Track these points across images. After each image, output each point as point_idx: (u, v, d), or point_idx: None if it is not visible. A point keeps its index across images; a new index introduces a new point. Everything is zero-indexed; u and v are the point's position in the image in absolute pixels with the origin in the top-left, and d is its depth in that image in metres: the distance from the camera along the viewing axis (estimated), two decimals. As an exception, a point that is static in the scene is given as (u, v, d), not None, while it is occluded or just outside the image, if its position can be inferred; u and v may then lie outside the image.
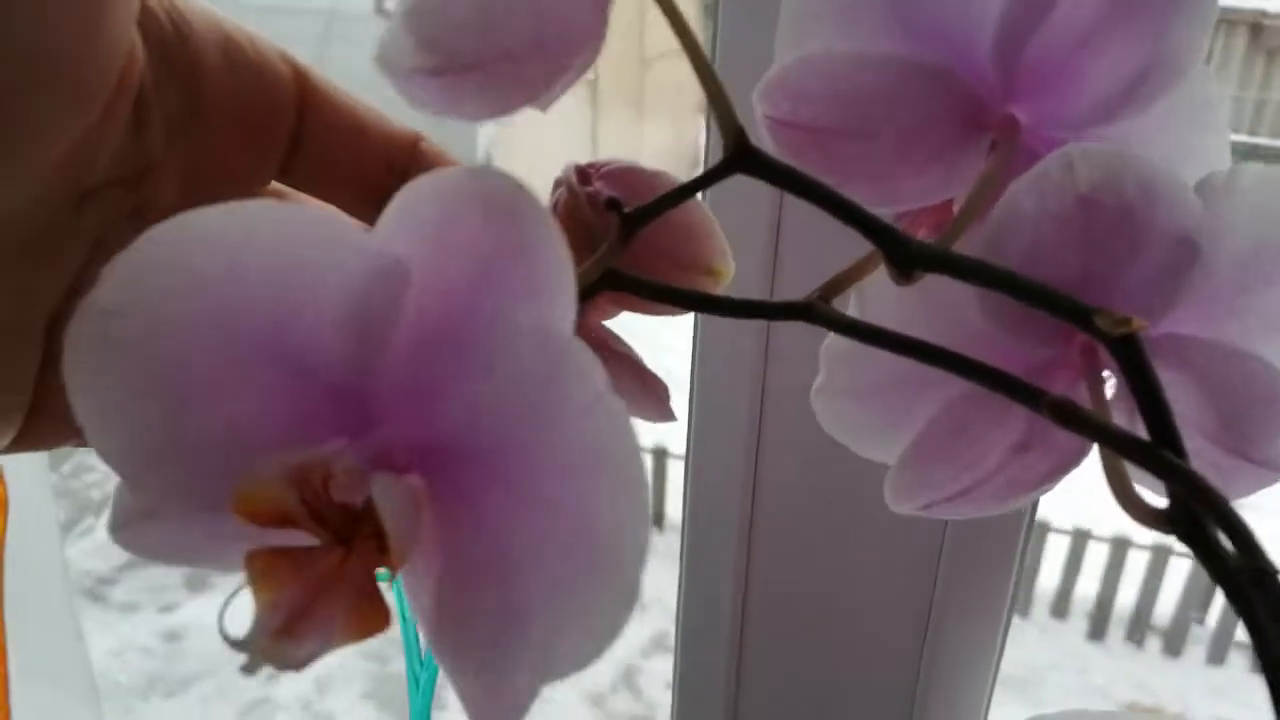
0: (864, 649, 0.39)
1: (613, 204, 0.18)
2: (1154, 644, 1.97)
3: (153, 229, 0.14)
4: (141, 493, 0.15)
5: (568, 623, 0.13)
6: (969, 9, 0.19)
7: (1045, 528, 2.02)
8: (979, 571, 0.36)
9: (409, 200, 0.14)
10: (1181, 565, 1.95)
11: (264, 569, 0.14)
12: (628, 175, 0.20)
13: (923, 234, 0.22)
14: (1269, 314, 0.20)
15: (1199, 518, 0.15)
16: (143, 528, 0.15)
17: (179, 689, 1.89)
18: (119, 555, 2.28)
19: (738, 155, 0.17)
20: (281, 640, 0.13)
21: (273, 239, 0.14)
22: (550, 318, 0.13)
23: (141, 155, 0.18)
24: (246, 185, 0.20)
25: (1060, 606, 2.03)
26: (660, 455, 2.10)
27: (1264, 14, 4.54)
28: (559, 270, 0.13)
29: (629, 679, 1.90)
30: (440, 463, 0.14)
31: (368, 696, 1.73)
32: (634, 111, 4.14)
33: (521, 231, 0.14)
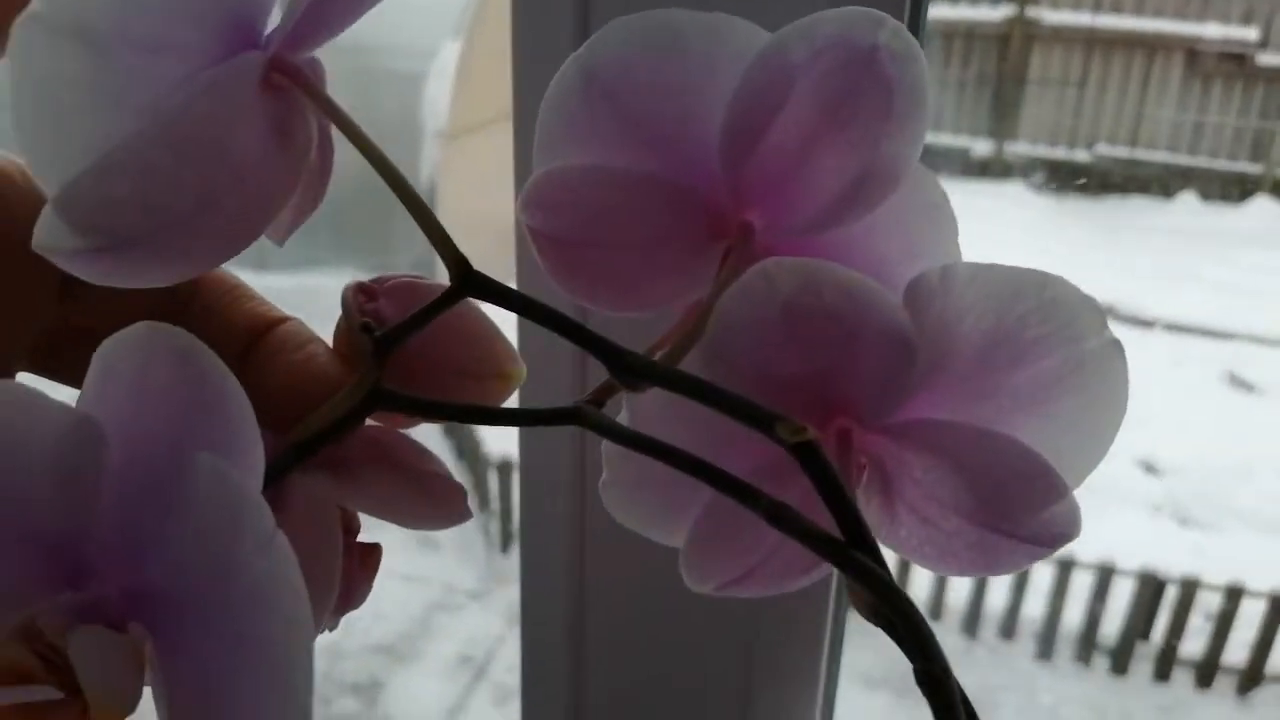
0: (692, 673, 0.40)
1: (365, 328, 0.19)
2: (1101, 663, 1.99)
3: None
4: None
5: None
6: (695, 124, 0.20)
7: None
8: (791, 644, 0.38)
9: (107, 358, 0.15)
10: (1125, 584, 1.98)
11: None
12: (407, 290, 0.20)
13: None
14: (1018, 394, 0.21)
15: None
16: None
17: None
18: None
19: (462, 282, 0.18)
20: None
21: None
22: (231, 465, 0.14)
23: None
24: (30, 312, 0.21)
25: (1008, 627, 2.04)
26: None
27: (1198, 39, 4.67)
28: (239, 421, 0.15)
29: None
30: (154, 611, 0.15)
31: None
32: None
33: (203, 386, 0.15)
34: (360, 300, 0.20)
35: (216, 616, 0.14)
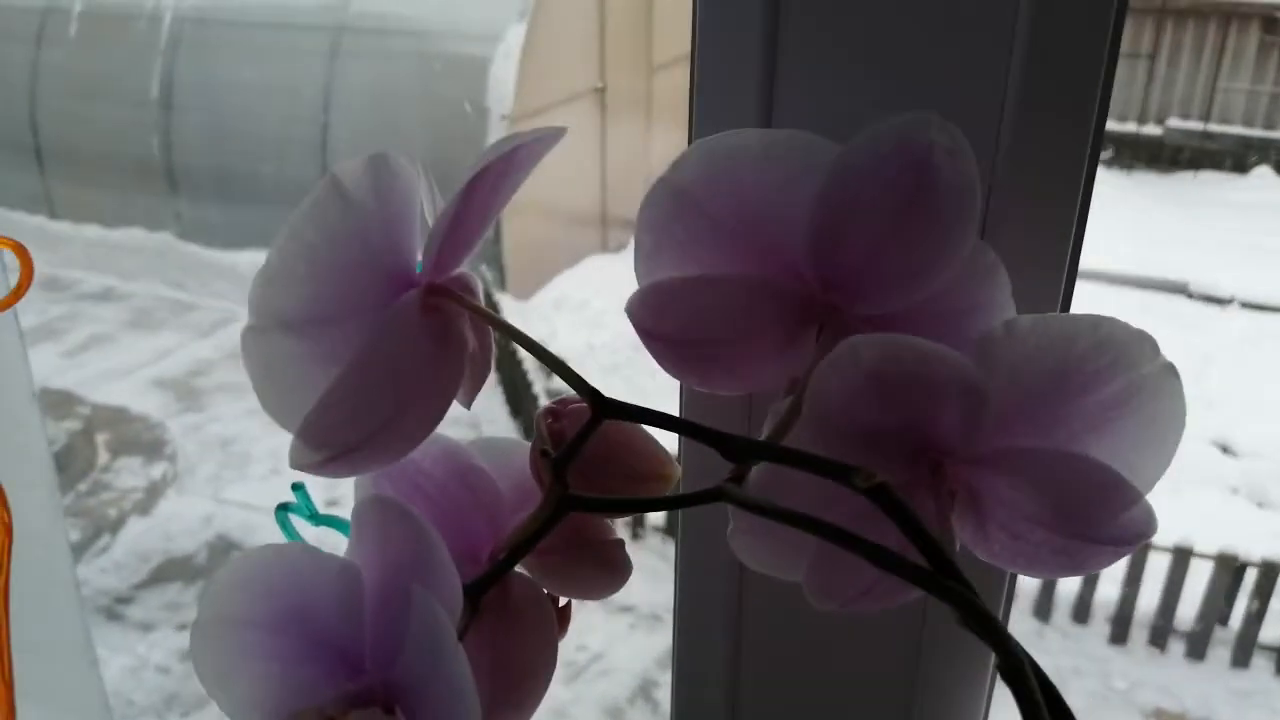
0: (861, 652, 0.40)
1: (544, 453, 0.24)
2: (1177, 648, 1.94)
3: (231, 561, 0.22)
4: None
5: None
6: (777, 226, 0.23)
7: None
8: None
9: (359, 518, 0.22)
10: (1203, 568, 1.93)
11: None
12: (583, 413, 0.25)
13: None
14: (1086, 418, 0.23)
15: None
16: None
17: (195, 708, 1.91)
18: (135, 573, 2.33)
19: (597, 409, 0.23)
20: None
21: (286, 566, 0.22)
22: (434, 592, 0.20)
23: None
24: None
25: (1081, 611, 2.01)
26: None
27: (1276, 8, 4.47)
28: (441, 562, 0.21)
29: (646, 692, 1.95)
30: (402, 696, 0.21)
31: None
32: (641, 117, 4.15)
33: (420, 540, 0.21)
34: (548, 421, 0.25)
35: (434, 701, 0.20)
